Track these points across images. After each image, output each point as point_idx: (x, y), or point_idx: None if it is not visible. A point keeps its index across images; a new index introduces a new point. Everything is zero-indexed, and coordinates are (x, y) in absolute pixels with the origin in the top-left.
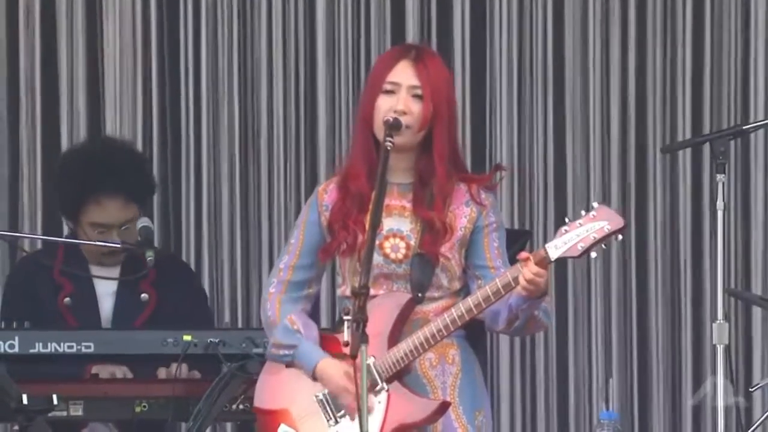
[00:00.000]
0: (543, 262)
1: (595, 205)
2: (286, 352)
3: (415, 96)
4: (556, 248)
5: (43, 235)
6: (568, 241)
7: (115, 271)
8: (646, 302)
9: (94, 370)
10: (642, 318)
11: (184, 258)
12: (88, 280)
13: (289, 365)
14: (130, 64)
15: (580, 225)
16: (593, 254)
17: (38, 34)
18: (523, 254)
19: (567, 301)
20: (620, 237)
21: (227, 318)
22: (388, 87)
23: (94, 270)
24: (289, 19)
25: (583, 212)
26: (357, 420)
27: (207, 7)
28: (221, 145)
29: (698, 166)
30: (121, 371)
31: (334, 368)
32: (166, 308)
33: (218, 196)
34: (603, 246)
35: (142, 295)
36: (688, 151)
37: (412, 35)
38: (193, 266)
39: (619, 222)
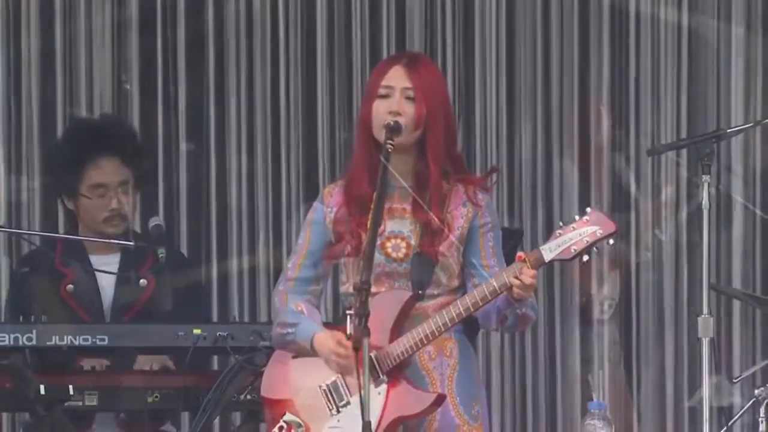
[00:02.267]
0: (537, 263)
1: (588, 209)
2: (289, 330)
3: (408, 98)
4: (550, 251)
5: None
6: (561, 243)
7: (114, 258)
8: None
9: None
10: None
11: None
12: (89, 267)
13: (291, 345)
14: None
15: (574, 228)
16: (585, 257)
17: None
18: (521, 254)
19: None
20: (611, 241)
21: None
22: (382, 91)
23: (94, 260)
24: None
25: (576, 216)
26: (358, 409)
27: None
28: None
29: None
30: (100, 363)
31: (328, 336)
32: (164, 292)
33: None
34: (595, 249)
35: (141, 280)
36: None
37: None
38: None
39: (610, 227)
